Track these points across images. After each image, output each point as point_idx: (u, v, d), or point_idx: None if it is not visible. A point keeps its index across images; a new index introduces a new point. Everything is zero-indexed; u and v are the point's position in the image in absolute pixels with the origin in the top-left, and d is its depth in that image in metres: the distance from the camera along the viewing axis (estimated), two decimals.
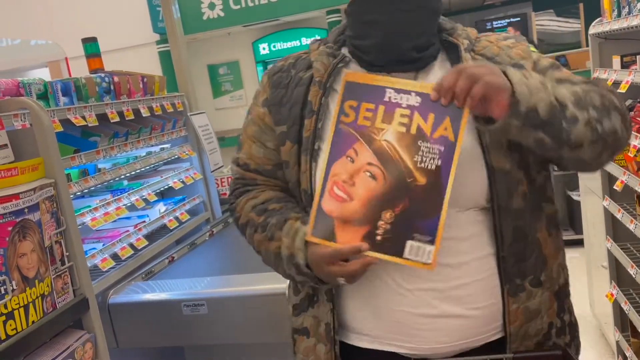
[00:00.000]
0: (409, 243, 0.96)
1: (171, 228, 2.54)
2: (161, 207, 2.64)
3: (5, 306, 1.13)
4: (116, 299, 2.01)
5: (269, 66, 1.22)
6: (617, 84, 2.06)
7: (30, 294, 1.20)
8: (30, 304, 1.20)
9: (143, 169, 2.54)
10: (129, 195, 2.32)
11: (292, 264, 1.05)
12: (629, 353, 2.42)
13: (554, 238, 1.11)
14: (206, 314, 1.92)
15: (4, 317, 1.13)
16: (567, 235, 4.62)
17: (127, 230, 2.29)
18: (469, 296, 1.04)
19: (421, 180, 0.95)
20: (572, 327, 1.15)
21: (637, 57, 2.13)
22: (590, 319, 3.31)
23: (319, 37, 1.22)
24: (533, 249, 1.06)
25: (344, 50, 1.14)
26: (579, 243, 4.13)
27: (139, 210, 2.54)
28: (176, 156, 2.78)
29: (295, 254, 1.04)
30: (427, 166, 0.95)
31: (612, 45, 2.43)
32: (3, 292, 1.13)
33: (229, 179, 3.31)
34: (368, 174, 0.97)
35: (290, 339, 1.20)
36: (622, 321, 2.60)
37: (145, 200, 2.41)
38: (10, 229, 1.15)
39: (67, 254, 1.34)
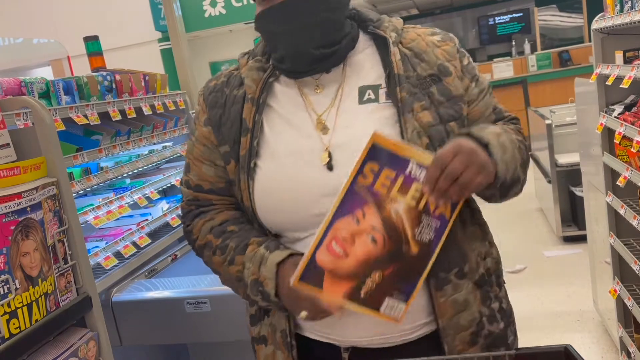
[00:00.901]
0: (387, 300, 1.02)
1: (174, 226, 2.54)
2: (164, 205, 2.65)
3: (9, 305, 1.14)
4: (119, 297, 2.02)
5: (201, 87, 1.24)
6: (619, 79, 2.05)
7: (34, 292, 1.20)
8: (34, 303, 1.20)
9: (145, 167, 2.54)
10: (132, 194, 2.33)
11: (257, 290, 1.08)
12: (632, 349, 2.42)
13: (470, 227, 1.13)
14: (209, 312, 1.93)
15: (7, 316, 1.13)
16: (570, 232, 4.62)
17: (130, 229, 2.29)
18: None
19: (414, 249, 1.02)
20: (504, 314, 1.16)
21: None
22: (593, 315, 3.31)
23: (246, 51, 1.22)
24: (452, 242, 1.07)
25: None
26: (583, 239, 4.13)
27: (142, 208, 2.54)
28: (178, 154, 2.78)
29: (262, 282, 1.06)
30: (423, 238, 1.02)
31: (615, 40, 2.42)
32: (6, 291, 1.13)
33: None
34: (370, 237, 1.00)
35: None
36: (625, 317, 2.60)
37: (148, 198, 2.42)
38: (12, 228, 1.15)
39: (70, 252, 1.35)
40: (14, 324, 1.15)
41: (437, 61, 1.12)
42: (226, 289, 1.94)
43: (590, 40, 7.40)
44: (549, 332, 3.50)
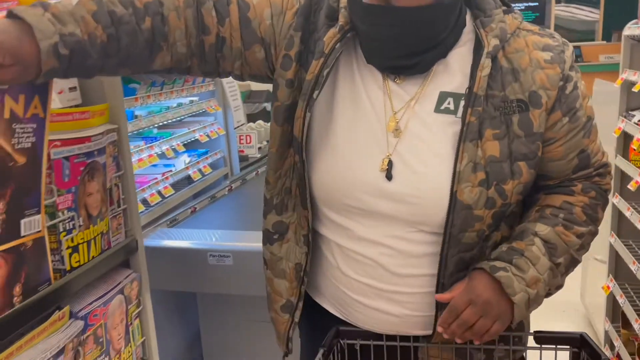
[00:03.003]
0: (23, 222, 1.00)
1: (195, 180, 2.61)
2: (185, 158, 2.71)
3: (72, 240, 1.21)
4: (146, 243, 2.09)
5: None
6: None
7: (93, 231, 1.27)
8: (92, 241, 1.27)
9: (173, 120, 2.59)
10: (160, 144, 2.38)
11: None
12: (617, 343, 2.57)
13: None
14: (231, 265, 2.02)
15: (70, 250, 1.21)
16: None
17: (156, 178, 2.36)
18: (405, 302, 1.08)
19: (21, 160, 0.97)
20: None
21: None
22: (579, 308, 3.46)
23: None
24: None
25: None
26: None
27: (165, 159, 2.60)
28: (203, 110, 2.82)
29: None
30: (24, 145, 0.97)
31: None
32: (72, 227, 1.20)
33: (249, 137, 3.37)
34: None
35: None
36: (613, 313, 2.74)
37: (174, 150, 2.47)
38: (82, 169, 1.21)
39: (123, 197, 1.41)
40: (75, 257, 1.22)
41: (533, 86, 0.98)
42: (250, 245, 2.04)
43: (602, 39, 7.41)
44: (534, 319, 3.66)
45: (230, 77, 1.17)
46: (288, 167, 1.13)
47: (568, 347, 1.13)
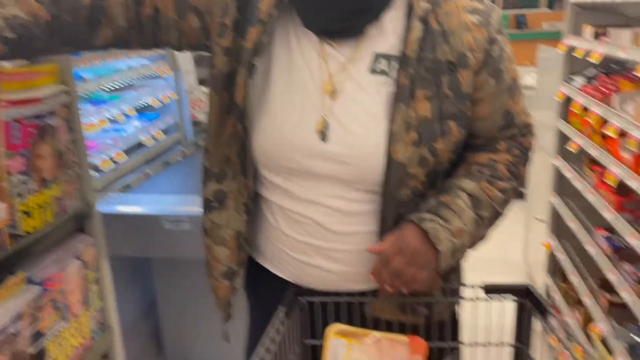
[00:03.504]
0: None
1: (148, 145, 2.56)
2: (137, 123, 2.64)
3: (26, 204, 1.18)
4: (100, 209, 2.05)
5: None
6: (588, 53, 2.22)
7: (47, 195, 1.24)
8: (47, 205, 1.25)
9: (122, 83, 2.51)
10: (111, 108, 2.31)
11: None
12: (557, 296, 2.74)
13: None
14: (188, 230, 2.01)
15: (25, 216, 1.18)
16: None
17: (107, 143, 2.30)
18: (345, 259, 1.11)
19: None
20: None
21: (609, 29, 2.28)
22: (521, 265, 3.66)
23: None
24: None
25: None
26: (520, 195, 4.48)
27: (116, 124, 2.53)
28: (154, 74, 2.75)
29: None
30: None
31: (586, 14, 2.58)
32: (25, 191, 1.17)
33: (202, 101, 3.31)
34: None
35: None
36: (554, 268, 2.92)
37: (126, 114, 2.41)
38: (33, 131, 1.18)
39: (76, 161, 1.38)
40: (29, 222, 1.20)
41: (461, 48, 1.02)
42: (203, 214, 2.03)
43: (547, 6, 7.61)
44: (478, 273, 3.83)
45: (169, 48, 1.17)
46: (227, 135, 1.14)
47: (514, 298, 1.20)
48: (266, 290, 1.20)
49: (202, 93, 3.38)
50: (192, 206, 2.06)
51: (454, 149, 1.07)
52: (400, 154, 1.01)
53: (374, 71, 1.04)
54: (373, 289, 1.13)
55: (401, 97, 1.00)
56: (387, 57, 1.04)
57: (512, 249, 3.84)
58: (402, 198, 1.05)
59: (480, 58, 1.03)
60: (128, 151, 2.51)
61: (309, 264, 1.15)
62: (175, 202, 2.12)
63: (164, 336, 2.54)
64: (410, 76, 1.00)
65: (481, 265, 4.03)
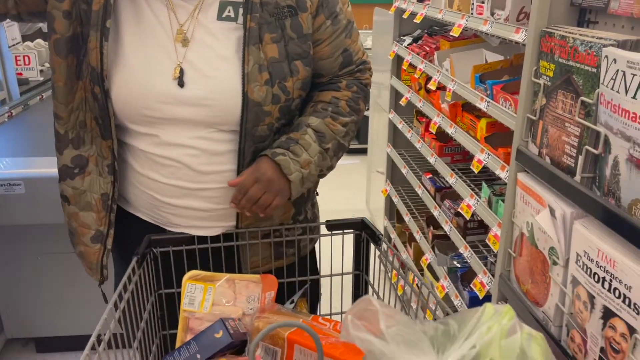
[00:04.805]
0: None
1: None
2: None
3: None
4: None
5: None
6: (413, 14, 2.45)
7: None
8: None
9: None
10: None
11: None
12: (393, 235, 3.06)
13: None
14: (23, 194, 1.88)
15: None
16: (352, 144, 5.29)
17: None
18: (211, 197, 1.18)
19: None
20: (308, 221, 1.34)
21: None
22: (365, 213, 3.98)
23: None
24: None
25: None
26: (362, 152, 4.83)
27: None
28: None
29: None
30: None
31: None
32: None
33: (28, 57, 3.01)
34: None
35: None
36: (390, 212, 3.23)
37: None
38: None
39: None
40: None
41: None
42: (43, 172, 1.90)
43: None
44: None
45: (10, 19, 1.14)
46: (80, 100, 1.14)
47: (352, 230, 1.34)
48: (137, 240, 1.20)
49: (28, 48, 3.08)
50: (26, 169, 1.92)
51: (302, 86, 1.17)
52: (255, 94, 1.09)
53: (221, 18, 1.10)
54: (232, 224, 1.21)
55: (251, 40, 1.08)
56: (233, 4, 1.10)
57: (356, 199, 4.15)
58: (259, 134, 1.14)
59: (315, 2, 1.14)
60: None
61: (179, 205, 1.18)
62: (6, 165, 1.96)
63: (0, 308, 2.36)
64: (257, 20, 1.08)
65: (330, 215, 4.32)
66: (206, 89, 1.09)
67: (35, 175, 1.87)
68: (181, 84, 1.09)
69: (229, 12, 1.10)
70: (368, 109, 1.37)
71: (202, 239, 1.21)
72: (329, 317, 1.13)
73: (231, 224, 1.23)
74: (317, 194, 1.42)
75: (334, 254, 1.24)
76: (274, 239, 1.26)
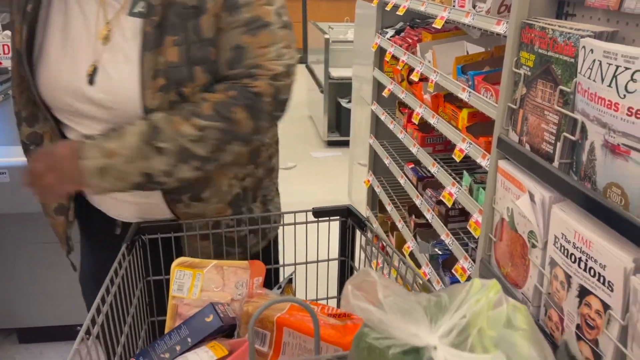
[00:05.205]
0: None
1: None
2: None
3: None
4: None
5: None
6: (396, 7, 2.48)
7: None
8: None
9: None
10: None
11: None
12: (375, 225, 3.10)
13: None
14: (7, 182, 1.87)
15: None
16: (334, 137, 5.35)
17: None
18: (142, 193, 1.15)
19: None
20: (253, 221, 1.27)
21: None
22: (347, 204, 4.03)
23: None
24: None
25: None
26: (343, 144, 4.88)
27: None
28: None
29: None
30: None
31: None
32: None
33: (6, 47, 2.97)
34: None
35: None
36: (372, 202, 3.28)
37: None
38: None
39: None
40: None
41: None
42: (26, 160, 1.89)
43: None
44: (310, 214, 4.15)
45: None
46: (20, 79, 1.17)
47: (338, 217, 1.38)
48: (94, 220, 1.26)
49: (7, 37, 3.03)
50: (11, 157, 1.90)
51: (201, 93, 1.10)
52: (148, 101, 1.04)
53: (132, 12, 1.04)
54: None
55: (147, 45, 1.02)
56: (146, 1, 1.04)
57: (339, 191, 4.19)
58: None
59: (220, 2, 1.04)
60: None
61: (114, 197, 1.19)
62: None
63: None
64: (154, 23, 1.02)
65: (315, 206, 4.37)
66: (109, 92, 1.06)
67: (20, 163, 1.84)
68: (91, 82, 1.07)
69: (141, 7, 1.03)
70: (270, 124, 1.14)
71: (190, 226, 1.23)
72: (315, 301, 1.17)
73: (166, 216, 1.21)
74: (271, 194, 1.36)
75: (320, 241, 1.27)
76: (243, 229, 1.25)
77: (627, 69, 0.89)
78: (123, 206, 1.21)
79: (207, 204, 1.19)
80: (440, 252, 2.17)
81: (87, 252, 1.39)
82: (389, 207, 2.73)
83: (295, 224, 1.33)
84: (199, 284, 1.14)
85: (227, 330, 1.01)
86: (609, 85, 0.93)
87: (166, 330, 1.09)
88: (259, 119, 1.07)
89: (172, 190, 1.15)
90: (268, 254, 1.35)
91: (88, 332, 0.83)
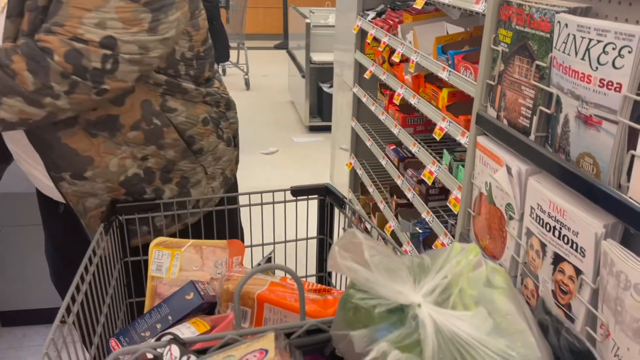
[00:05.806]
0: None
1: None
2: None
3: None
4: None
5: None
6: None
7: None
8: None
9: None
10: None
11: None
12: (357, 207, 3.13)
13: (101, 140, 1.17)
14: None
15: None
16: (316, 122, 5.35)
17: None
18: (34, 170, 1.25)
19: None
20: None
21: None
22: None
23: None
24: (63, 153, 1.16)
25: None
26: (324, 129, 4.90)
27: None
28: None
29: None
30: None
31: None
32: None
33: None
34: None
35: None
36: (354, 185, 3.31)
37: None
38: None
39: None
40: None
41: None
42: None
43: None
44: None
45: None
46: None
47: (316, 196, 1.39)
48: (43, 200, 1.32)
49: None
50: None
51: None
52: None
53: None
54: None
55: (11, 12, 1.06)
56: None
57: (321, 176, 4.21)
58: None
59: None
60: None
61: (47, 185, 1.25)
62: None
63: None
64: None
65: None
66: None
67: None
68: None
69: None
70: (71, 90, 1.02)
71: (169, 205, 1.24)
72: None
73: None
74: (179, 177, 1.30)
75: (299, 220, 1.28)
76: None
77: (599, 41, 0.93)
78: (38, 183, 1.28)
79: (94, 183, 1.20)
80: (420, 231, 2.22)
81: (44, 226, 1.47)
82: (371, 189, 2.76)
83: (273, 203, 1.32)
84: (177, 263, 1.15)
85: (207, 309, 1.02)
86: (582, 59, 0.96)
87: (145, 310, 1.09)
88: (42, 76, 1.00)
89: (52, 167, 1.18)
90: (198, 229, 1.33)
91: (63, 321, 0.82)
